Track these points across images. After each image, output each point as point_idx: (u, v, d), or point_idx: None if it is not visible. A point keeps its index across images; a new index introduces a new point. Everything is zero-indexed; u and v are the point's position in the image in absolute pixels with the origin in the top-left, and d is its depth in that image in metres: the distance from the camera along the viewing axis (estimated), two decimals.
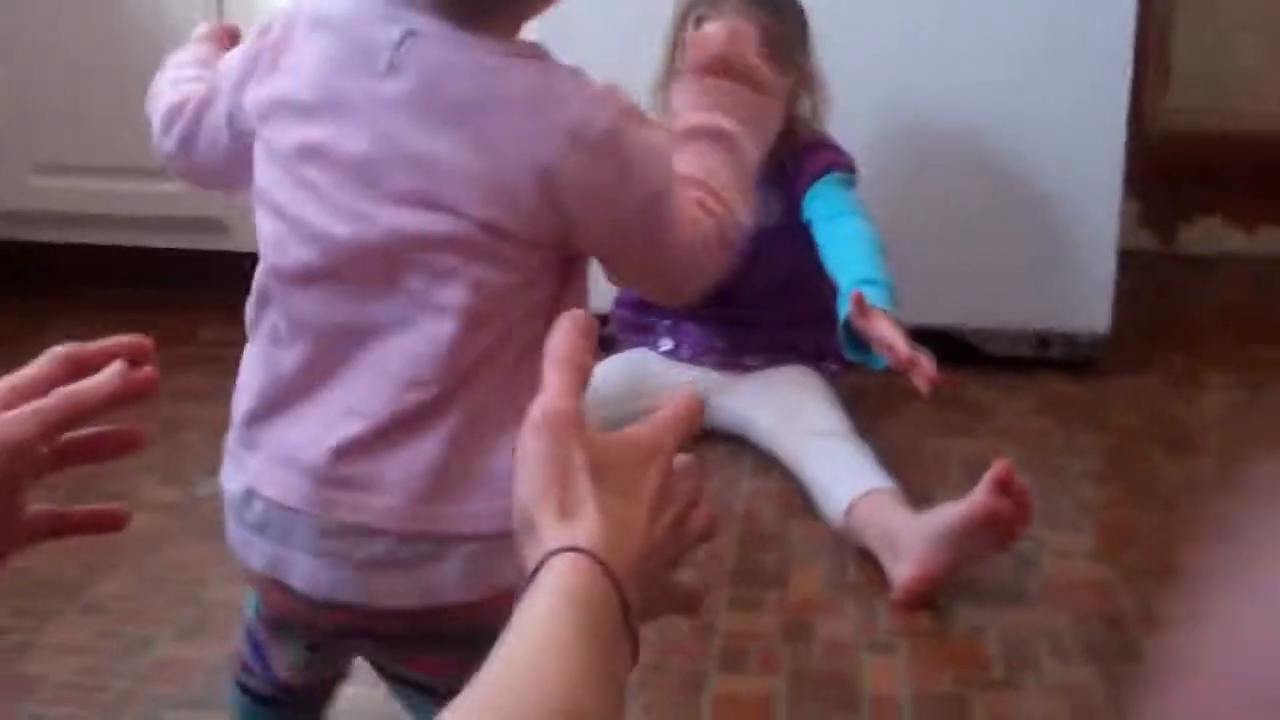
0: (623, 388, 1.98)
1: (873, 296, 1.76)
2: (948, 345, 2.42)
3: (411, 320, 1.01)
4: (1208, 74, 3.14)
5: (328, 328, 1.05)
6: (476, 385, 1.01)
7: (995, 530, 1.59)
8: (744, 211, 1.06)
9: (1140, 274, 2.93)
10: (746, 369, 2.09)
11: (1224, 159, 3.16)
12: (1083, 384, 2.36)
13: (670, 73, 1.93)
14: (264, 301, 1.10)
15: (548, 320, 0.82)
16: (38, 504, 0.97)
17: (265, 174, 1.07)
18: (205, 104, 1.16)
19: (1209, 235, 3.20)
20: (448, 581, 1.03)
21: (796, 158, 2.01)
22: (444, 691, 0.69)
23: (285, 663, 1.15)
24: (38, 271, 2.81)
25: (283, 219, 1.05)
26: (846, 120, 2.14)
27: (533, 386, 0.78)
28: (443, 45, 1.00)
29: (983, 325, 2.42)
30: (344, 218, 1.01)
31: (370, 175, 1.01)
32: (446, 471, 1.01)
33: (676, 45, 1.96)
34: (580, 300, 1.05)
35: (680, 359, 2.11)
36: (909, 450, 2.07)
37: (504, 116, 0.98)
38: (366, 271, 1.02)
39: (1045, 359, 2.42)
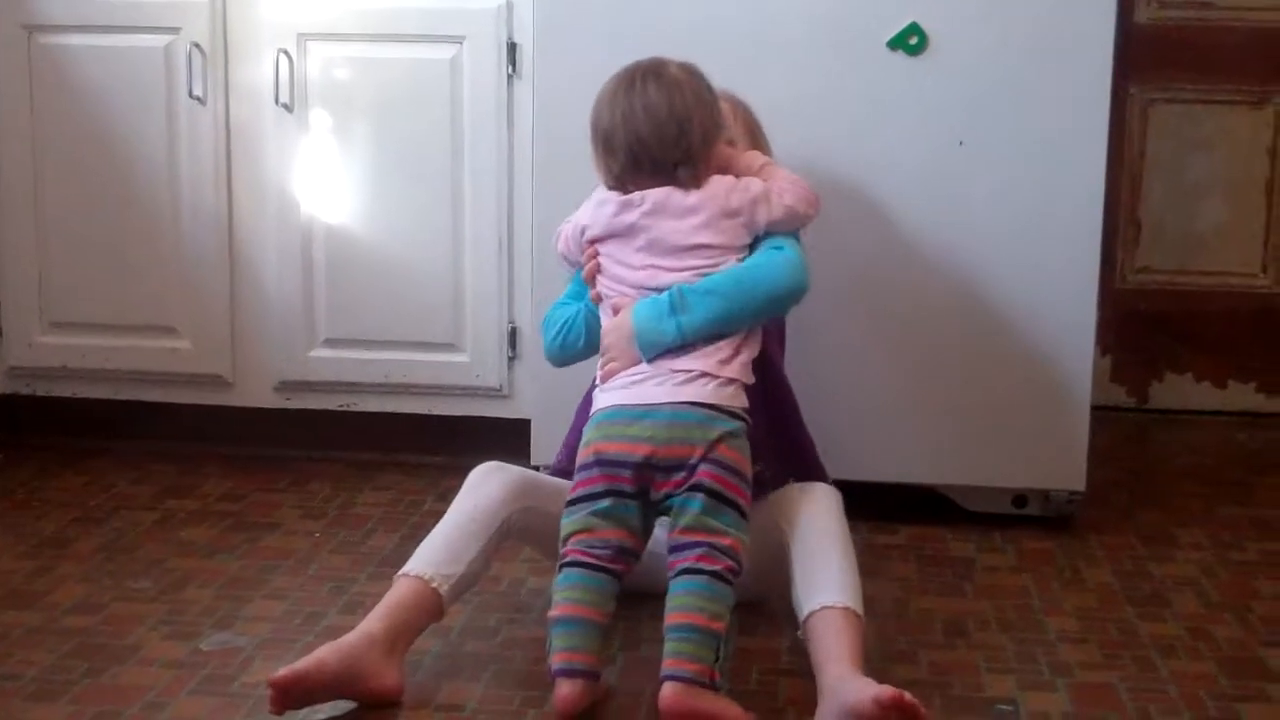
0: None
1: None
2: (928, 501, 2.51)
3: None
4: (1175, 232, 3.27)
5: None
6: None
7: None
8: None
9: (1113, 429, 3.03)
10: None
11: (1193, 316, 3.28)
12: (1059, 540, 2.44)
13: None
14: None
15: None
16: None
17: None
18: None
19: (1180, 391, 3.31)
20: None
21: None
22: None
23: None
24: (47, 425, 2.89)
25: None
26: (824, 284, 2.25)
27: None
28: None
29: (961, 482, 2.50)
30: None
31: None
32: None
33: None
34: None
35: None
36: (894, 609, 2.14)
37: None
38: None
39: (1023, 515, 2.50)
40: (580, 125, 2.43)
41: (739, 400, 1.90)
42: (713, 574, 1.78)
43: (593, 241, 1.99)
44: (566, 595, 1.82)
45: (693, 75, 1.98)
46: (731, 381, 1.90)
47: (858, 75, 2.38)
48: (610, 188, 1.99)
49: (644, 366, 1.90)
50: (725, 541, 1.80)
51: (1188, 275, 3.27)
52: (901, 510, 2.50)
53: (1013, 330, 2.44)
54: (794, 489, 2.02)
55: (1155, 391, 3.32)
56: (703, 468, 1.83)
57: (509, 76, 2.63)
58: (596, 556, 1.82)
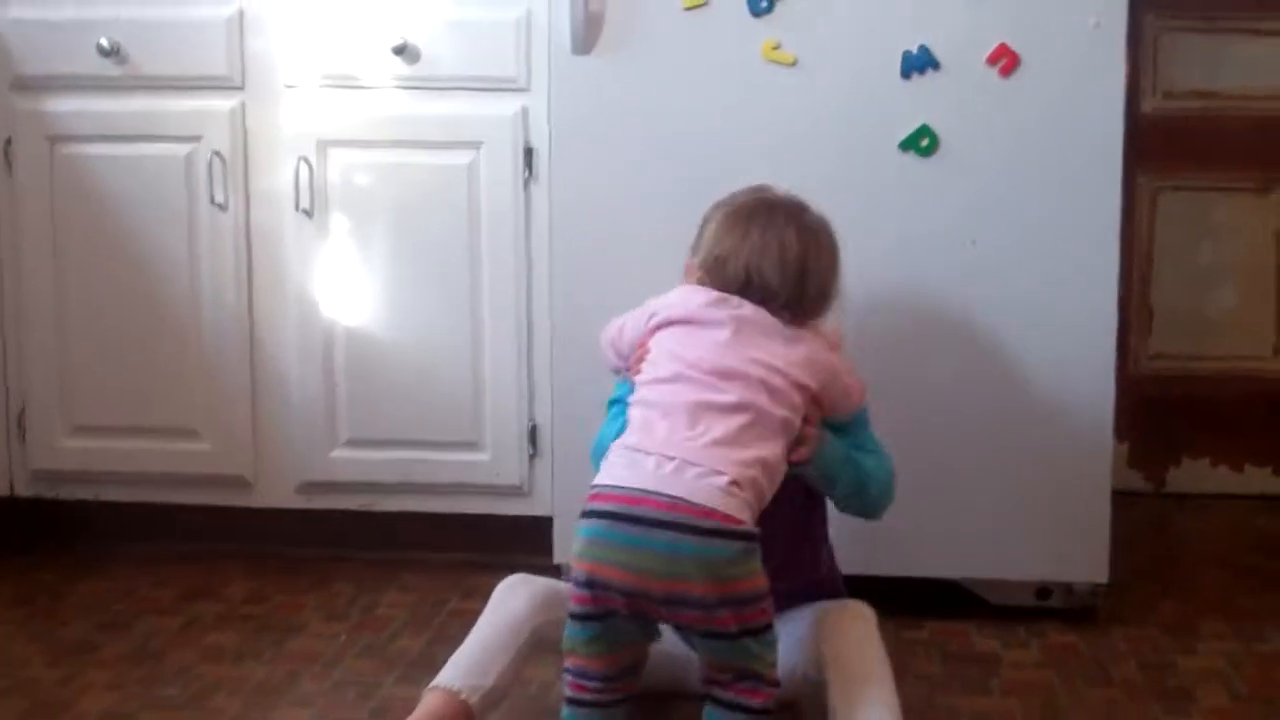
0: None
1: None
2: (951, 595, 2.51)
3: None
4: (1187, 318, 3.29)
5: None
6: None
7: None
8: None
9: (1131, 515, 3.03)
10: None
11: (1208, 400, 3.30)
12: (1083, 633, 2.44)
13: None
14: None
15: None
16: None
17: None
18: None
19: (1198, 475, 3.32)
20: None
21: None
22: None
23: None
24: (70, 529, 2.90)
25: None
26: None
27: None
28: None
29: (983, 576, 2.51)
30: None
31: None
32: None
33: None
34: None
35: None
36: (921, 708, 2.14)
37: None
38: None
39: (1046, 608, 2.50)
40: (596, 226, 2.49)
41: (748, 510, 1.75)
42: (750, 711, 1.75)
43: (663, 325, 1.89)
44: None
45: (829, 231, 1.96)
46: (741, 486, 1.74)
47: (870, 177, 2.42)
48: None
49: (659, 443, 1.77)
50: (762, 672, 1.76)
51: (1201, 361, 3.29)
52: (924, 604, 2.50)
53: (1031, 422, 2.45)
54: (829, 606, 2.03)
55: (1173, 476, 3.32)
56: (718, 612, 1.72)
57: (525, 180, 2.67)
58: (594, 691, 1.77)
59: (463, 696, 1.90)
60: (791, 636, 1.96)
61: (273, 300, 2.77)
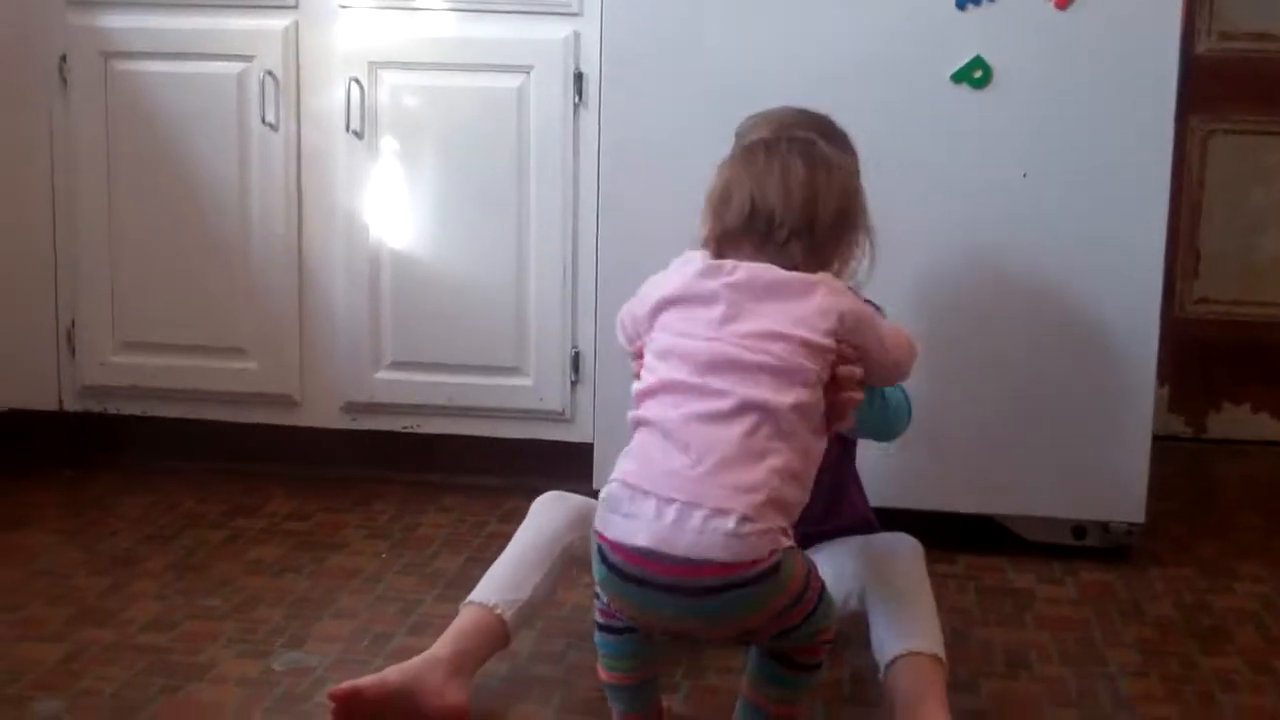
0: None
1: None
2: (985, 531, 2.52)
3: None
4: (1234, 263, 3.27)
5: None
6: None
7: None
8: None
9: (1171, 459, 3.03)
10: None
11: (1251, 346, 3.28)
12: (1119, 572, 2.45)
13: None
14: None
15: None
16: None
17: None
18: None
19: (1238, 421, 3.31)
20: None
21: None
22: None
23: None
24: (117, 443, 2.94)
25: None
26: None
27: None
28: None
29: (1021, 513, 2.51)
30: None
31: None
32: None
33: None
34: None
35: None
36: (955, 639, 2.14)
37: None
38: None
39: (1082, 547, 2.51)
40: (645, 153, 2.49)
41: (768, 536, 1.55)
42: (802, 668, 1.66)
43: (661, 307, 1.68)
44: (608, 662, 1.72)
45: (844, 160, 1.80)
46: (754, 517, 1.54)
47: (922, 108, 2.41)
48: (705, 249, 1.71)
49: (655, 478, 1.57)
50: (814, 638, 1.65)
51: (1246, 306, 3.28)
52: (959, 540, 2.51)
53: (1074, 359, 2.45)
54: (875, 538, 2.04)
55: (1213, 422, 3.32)
56: (746, 636, 1.63)
57: (575, 106, 2.67)
58: (624, 621, 1.69)
59: (498, 611, 1.93)
60: (837, 568, 1.95)
61: (321, 220, 2.78)
